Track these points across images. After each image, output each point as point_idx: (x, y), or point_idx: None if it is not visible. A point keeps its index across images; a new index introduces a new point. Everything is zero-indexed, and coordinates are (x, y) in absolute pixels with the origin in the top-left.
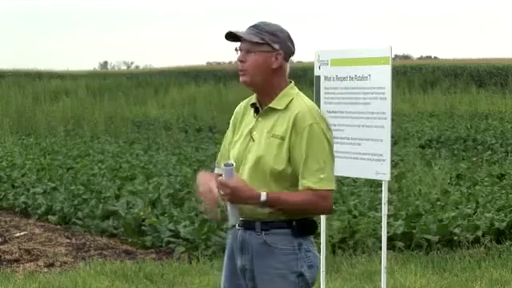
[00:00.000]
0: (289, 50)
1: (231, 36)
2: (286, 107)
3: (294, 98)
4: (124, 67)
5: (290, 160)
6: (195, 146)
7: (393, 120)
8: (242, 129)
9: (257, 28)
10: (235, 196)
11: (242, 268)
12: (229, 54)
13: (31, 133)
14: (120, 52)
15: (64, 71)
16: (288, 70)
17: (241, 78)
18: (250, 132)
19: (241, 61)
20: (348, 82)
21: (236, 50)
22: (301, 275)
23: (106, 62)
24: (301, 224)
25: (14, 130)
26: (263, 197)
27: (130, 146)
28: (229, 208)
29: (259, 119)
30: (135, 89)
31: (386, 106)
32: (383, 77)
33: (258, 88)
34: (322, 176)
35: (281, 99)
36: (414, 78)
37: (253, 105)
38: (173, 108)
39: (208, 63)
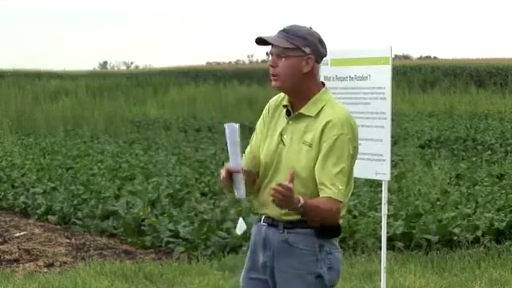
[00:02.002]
0: (320, 53)
1: (261, 40)
2: (317, 114)
3: (325, 104)
4: (124, 67)
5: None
6: (195, 146)
7: (393, 120)
8: (272, 127)
9: (286, 32)
10: (288, 202)
11: (264, 264)
12: (228, 54)
13: (31, 133)
14: (120, 52)
15: (63, 71)
16: (319, 72)
17: (273, 83)
18: (281, 134)
19: (272, 66)
20: (348, 82)
21: (267, 54)
22: (319, 276)
23: (105, 62)
24: (325, 226)
25: (13, 130)
26: (302, 201)
27: (129, 146)
28: (236, 180)
29: (290, 122)
30: (135, 89)
31: (385, 106)
32: (383, 77)
33: (290, 92)
34: (340, 187)
35: (312, 105)
36: (413, 78)
37: (285, 106)
38: (172, 108)
39: (208, 63)
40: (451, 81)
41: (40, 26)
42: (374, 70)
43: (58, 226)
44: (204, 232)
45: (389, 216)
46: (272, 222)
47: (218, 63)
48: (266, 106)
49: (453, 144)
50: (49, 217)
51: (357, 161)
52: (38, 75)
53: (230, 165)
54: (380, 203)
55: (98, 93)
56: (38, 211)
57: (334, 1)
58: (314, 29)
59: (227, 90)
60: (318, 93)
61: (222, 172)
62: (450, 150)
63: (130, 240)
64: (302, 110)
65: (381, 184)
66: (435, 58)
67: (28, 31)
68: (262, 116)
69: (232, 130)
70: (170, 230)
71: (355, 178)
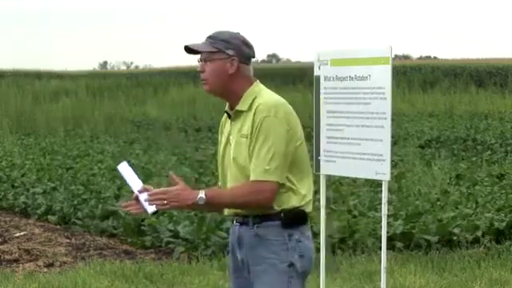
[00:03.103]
0: (244, 54)
1: (190, 49)
2: (250, 107)
3: (256, 96)
4: (124, 67)
5: None
6: (195, 146)
7: (393, 120)
8: (223, 136)
9: (211, 38)
10: (179, 200)
11: (241, 262)
12: None
13: (31, 133)
14: (120, 52)
15: (64, 71)
16: (251, 71)
17: (204, 87)
18: (228, 137)
19: (200, 71)
20: (348, 82)
21: (198, 61)
22: (291, 265)
23: (105, 62)
24: (290, 215)
25: (13, 130)
26: (201, 194)
27: (129, 146)
28: (142, 200)
29: (232, 123)
30: (135, 89)
31: (386, 106)
32: (383, 77)
33: (221, 94)
34: (267, 167)
35: (244, 100)
36: (413, 78)
37: (226, 112)
38: (172, 108)
39: None
40: (451, 81)
41: (40, 26)
42: (374, 69)
43: (58, 226)
44: (204, 232)
45: (389, 216)
46: (243, 221)
47: None
48: (219, 130)
49: (453, 144)
50: (49, 217)
51: (357, 161)
52: (38, 75)
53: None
54: (380, 203)
55: (98, 93)
56: (38, 211)
57: (334, 1)
58: (243, 33)
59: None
60: (248, 88)
61: (126, 203)
62: (450, 149)
63: (130, 240)
64: (237, 107)
65: (381, 184)
66: (435, 58)
67: (28, 31)
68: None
69: (123, 167)
70: (170, 230)
71: (356, 178)
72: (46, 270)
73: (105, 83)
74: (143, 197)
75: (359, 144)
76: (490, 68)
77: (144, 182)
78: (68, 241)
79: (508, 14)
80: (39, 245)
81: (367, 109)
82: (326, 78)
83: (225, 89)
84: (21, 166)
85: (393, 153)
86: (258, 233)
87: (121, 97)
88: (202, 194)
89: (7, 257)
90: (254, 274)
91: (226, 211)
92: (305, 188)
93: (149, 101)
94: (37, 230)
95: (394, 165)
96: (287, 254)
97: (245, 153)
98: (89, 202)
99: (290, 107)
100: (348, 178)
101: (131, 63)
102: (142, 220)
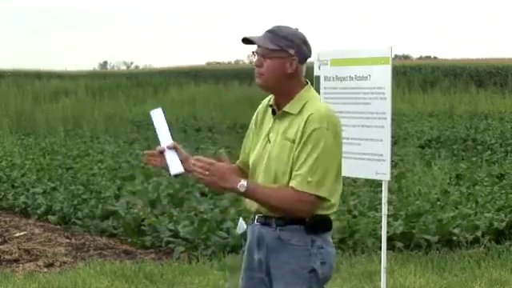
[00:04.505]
0: (304, 54)
1: (247, 40)
2: (300, 111)
3: (308, 101)
4: (124, 67)
5: None
6: (195, 147)
7: (393, 120)
8: (262, 128)
9: (272, 33)
10: (222, 178)
11: (259, 262)
12: (228, 54)
13: (31, 133)
14: (120, 52)
15: (64, 71)
16: (304, 72)
17: (257, 81)
18: (268, 134)
19: (257, 65)
20: (348, 81)
21: (253, 53)
22: (313, 271)
23: (105, 62)
24: (314, 221)
25: (13, 130)
26: (243, 182)
27: (129, 146)
28: (168, 157)
29: (276, 121)
30: (135, 89)
31: (385, 106)
32: (383, 77)
33: (274, 91)
34: (309, 179)
35: (295, 103)
36: (413, 78)
37: (271, 106)
38: (172, 108)
39: (208, 63)
40: (451, 81)
41: (40, 26)
42: (374, 70)
43: (58, 226)
44: (204, 232)
45: (389, 216)
46: (265, 221)
47: (218, 63)
48: (254, 115)
49: (453, 144)
50: (49, 217)
51: (357, 161)
52: (38, 75)
53: (161, 146)
54: (380, 203)
55: (98, 93)
56: (38, 211)
57: (334, 1)
58: (301, 30)
59: (227, 90)
60: (300, 91)
61: (150, 152)
62: (450, 150)
63: (130, 240)
64: (286, 108)
65: (381, 184)
66: (435, 58)
67: (28, 31)
68: (250, 125)
69: (158, 115)
70: (170, 230)
71: (356, 178)
72: (45, 269)
73: (105, 83)
74: (170, 154)
75: (359, 144)
76: (490, 68)
77: (144, 181)
78: (68, 241)
79: (508, 14)
80: (39, 245)
81: (367, 109)
82: (326, 78)
83: (278, 87)
84: (21, 166)
85: (393, 153)
86: (280, 236)
87: (121, 97)
88: (243, 182)
89: (7, 257)
90: (274, 276)
91: (252, 208)
92: (336, 198)
93: (149, 101)
94: (37, 230)
95: (394, 165)
96: (309, 259)
97: (286, 157)
98: (89, 202)
99: (338, 118)
100: (348, 177)
101: (131, 63)
102: (142, 220)
